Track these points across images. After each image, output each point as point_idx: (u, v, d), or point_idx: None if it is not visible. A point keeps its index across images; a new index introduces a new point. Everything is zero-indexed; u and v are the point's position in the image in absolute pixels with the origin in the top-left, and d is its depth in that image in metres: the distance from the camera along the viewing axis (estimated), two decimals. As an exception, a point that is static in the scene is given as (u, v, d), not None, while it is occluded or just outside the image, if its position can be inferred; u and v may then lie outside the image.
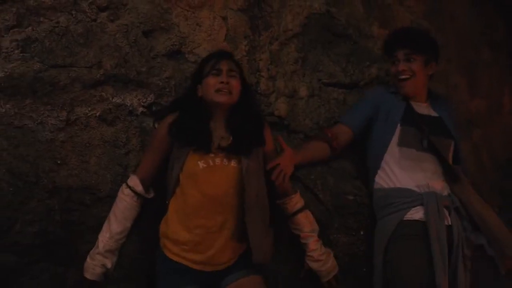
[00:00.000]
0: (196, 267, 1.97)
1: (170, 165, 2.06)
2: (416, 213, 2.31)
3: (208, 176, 1.99)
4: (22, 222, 2.09)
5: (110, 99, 2.32)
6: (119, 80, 2.35)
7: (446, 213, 2.31)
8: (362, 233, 2.57)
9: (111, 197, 2.17)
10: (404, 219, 2.31)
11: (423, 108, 2.58)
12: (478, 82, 4.17)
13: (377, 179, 2.51)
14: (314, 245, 2.24)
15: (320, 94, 2.76)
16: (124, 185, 2.07)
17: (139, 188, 2.05)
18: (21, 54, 2.22)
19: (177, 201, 2.03)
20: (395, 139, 2.47)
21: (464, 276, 2.22)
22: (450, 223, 2.28)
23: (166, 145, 2.08)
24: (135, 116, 2.35)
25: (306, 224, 2.26)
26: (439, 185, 2.40)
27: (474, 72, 4.12)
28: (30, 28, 2.25)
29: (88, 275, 1.99)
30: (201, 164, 2.00)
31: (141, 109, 2.37)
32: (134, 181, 2.06)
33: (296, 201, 2.25)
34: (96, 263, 1.98)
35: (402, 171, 2.41)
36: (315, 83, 2.77)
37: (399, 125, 2.48)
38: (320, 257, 2.25)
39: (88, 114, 2.26)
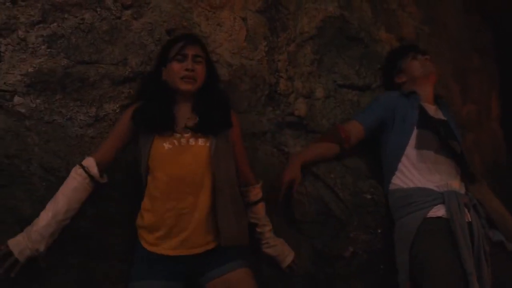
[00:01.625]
0: (172, 253, 1.91)
1: (139, 154, 2.03)
2: (438, 211, 2.35)
3: (174, 156, 1.95)
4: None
5: (134, 95, 2.31)
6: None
7: (466, 210, 2.36)
8: (379, 231, 2.63)
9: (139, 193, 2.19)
10: (427, 216, 2.35)
11: (433, 111, 2.67)
12: (469, 87, 4.31)
13: (394, 180, 2.56)
14: (269, 233, 2.26)
15: (336, 96, 2.83)
16: (77, 166, 1.95)
17: (94, 170, 1.94)
18: (48, 50, 2.21)
19: (149, 190, 1.98)
20: (412, 142, 2.52)
21: (487, 271, 2.25)
22: (470, 220, 2.33)
23: (128, 132, 2.04)
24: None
25: (263, 214, 2.26)
26: (456, 184, 2.46)
27: (465, 78, 4.26)
28: (55, 24, 2.24)
29: (15, 251, 1.79)
30: (166, 145, 1.96)
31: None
32: (89, 162, 1.96)
33: (258, 191, 2.24)
34: (29, 245, 1.79)
35: (420, 172, 2.47)
36: (331, 84, 2.84)
37: (415, 128, 2.54)
38: (274, 243, 2.27)
39: (117, 111, 2.26)
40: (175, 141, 1.98)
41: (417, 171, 2.47)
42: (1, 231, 1.97)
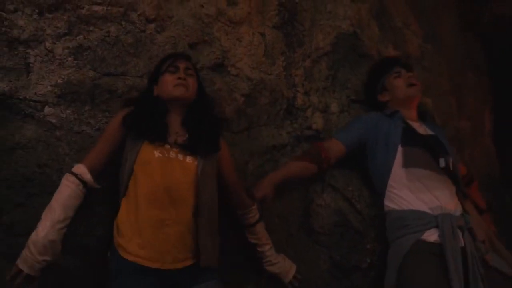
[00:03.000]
0: (153, 265, 1.86)
1: (123, 159, 2.00)
2: (431, 236, 2.31)
3: (163, 166, 1.94)
4: (86, 226, 2.10)
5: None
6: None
7: (460, 234, 2.32)
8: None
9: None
10: (420, 239, 2.32)
11: (418, 128, 2.62)
12: (464, 104, 4.43)
13: (386, 202, 2.52)
14: (270, 252, 2.26)
15: (349, 110, 2.90)
16: (67, 174, 1.93)
17: (87, 176, 1.93)
18: (75, 62, 2.25)
19: (129, 198, 1.95)
20: (398, 161, 2.47)
21: None
22: (463, 245, 2.30)
23: (118, 137, 2.02)
24: (185, 126, 2.39)
25: (264, 234, 2.28)
26: (452, 205, 2.40)
27: (460, 94, 4.38)
28: (81, 36, 2.28)
29: (25, 269, 1.78)
30: (156, 153, 1.96)
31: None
32: (81, 169, 1.94)
33: (255, 212, 2.26)
34: (35, 259, 1.77)
35: (411, 193, 2.42)
36: (344, 99, 2.92)
37: (400, 146, 2.49)
38: (276, 260, 2.27)
39: (143, 122, 2.29)
40: (165, 152, 1.99)
41: (408, 190, 2.43)
42: None
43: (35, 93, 2.14)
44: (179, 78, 2.08)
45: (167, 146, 2.01)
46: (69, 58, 2.24)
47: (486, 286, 2.32)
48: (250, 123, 2.60)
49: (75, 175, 1.92)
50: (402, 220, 2.40)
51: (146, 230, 1.89)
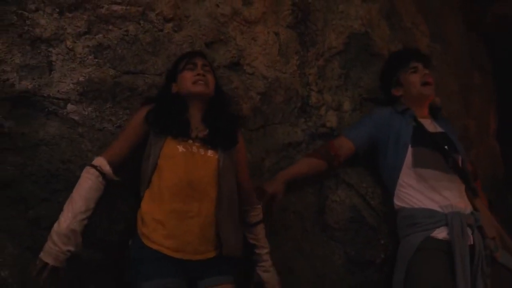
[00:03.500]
0: (175, 255, 1.91)
1: (146, 154, 2.05)
2: (441, 233, 2.34)
3: (186, 160, 1.99)
4: (109, 220, 2.15)
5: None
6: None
7: (470, 231, 2.34)
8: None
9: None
10: (430, 236, 2.35)
11: (429, 125, 2.61)
12: (470, 104, 4.47)
13: (396, 200, 2.54)
14: (266, 257, 2.26)
15: (361, 109, 2.94)
16: (87, 167, 1.97)
17: (106, 168, 1.97)
18: (95, 60, 2.29)
19: (153, 190, 2.00)
20: (408, 161, 2.48)
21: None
22: (472, 243, 2.32)
23: (140, 133, 2.07)
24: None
25: (263, 236, 2.28)
26: (461, 203, 2.42)
27: (467, 94, 4.42)
28: (100, 35, 2.32)
29: (50, 260, 1.81)
30: (180, 148, 2.01)
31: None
32: (100, 161, 1.98)
33: (259, 212, 2.28)
34: (59, 249, 1.81)
35: (421, 192, 2.44)
36: (357, 98, 2.96)
37: (410, 147, 2.49)
38: (270, 268, 2.26)
39: (163, 120, 2.33)
40: (188, 147, 2.03)
41: (417, 191, 2.45)
42: None
43: (58, 91, 2.18)
44: (198, 74, 2.12)
45: (190, 141, 2.06)
46: (90, 57, 2.28)
47: (489, 285, 2.36)
48: (265, 121, 2.64)
49: (95, 167, 1.96)
50: (412, 218, 2.42)
51: (170, 221, 1.94)
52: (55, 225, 1.85)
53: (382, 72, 2.88)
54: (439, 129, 2.63)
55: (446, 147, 2.52)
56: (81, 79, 2.22)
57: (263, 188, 2.37)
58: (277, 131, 2.63)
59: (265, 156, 2.57)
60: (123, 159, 2.06)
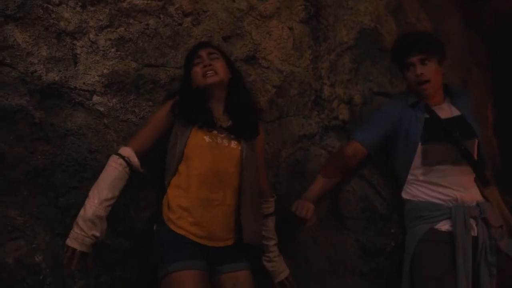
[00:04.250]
0: (200, 241, 2.00)
1: (172, 143, 2.11)
2: (444, 225, 2.41)
3: (213, 151, 2.06)
4: (135, 209, 2.23)
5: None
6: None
7: (474, 223, 2.39)
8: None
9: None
10: (434, 227, 2.43)
11: (444, 111, 2.56)
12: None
13: (404, 194, 2.60)
14: (273, 248, 2.33)
15: (372, 102, 3.03)
16: (115, 156, 2.01)
17: (134, 159, 2.02)
18: (118, 53, 2.34)
19: (180, 177, 2.06)
20: (417, 159, 2.50)
21: (489, 281, 2.35)
22: (476, 234, 2.37)
23: (166, 124, 2.13)
24: (223, 114, 2.50)
25: (272, 228, 2.34)
26: (468, 196, 2.45)
27: (467, 88, 4.52)
28: (122, 28, 2.37)
29: (77, 246, 1.85)
30: (207, 138, 2.08)
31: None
32: (128, 152, 2.02)
33: (271, 204, 2.35)
34: (85, 234, 1.85)
35: (427, 187, 2.50)
36: (367, 91, 3.04)
37: (420, 144, 2.49)
38: (274, 258, 2.33)
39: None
40: (214, 137, 2.10)
41: (424, 186, 2.50)
42: None
43: (84, 83, 2.23)
44: (205, 66, 2.17)
45: (215, 132, 2.13)
46: (112, 50, 2.33)
47: (494, 272, 2.41)
48: (281, 113, 2.72)
49: (123, 157, 2.01)
50: (417, 211, 2.49)
51: (196, 209, 2.02)
52: (81, 211, 1.89)
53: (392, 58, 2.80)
54: (455, 113, 2.56)
55: (458, 133, 2.47)
56: (105, 71, 2.27)
57: (295, 212, 2.43)
58: (292, 123, 2.71)
59: (282, 147, 2.64)
60: (148, 149, 2.12)
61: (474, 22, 5.10)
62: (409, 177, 2.55)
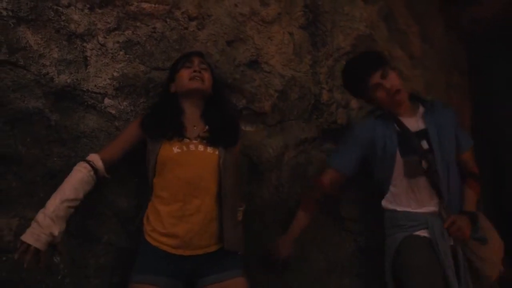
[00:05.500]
0: (175, 252, 1.95)
1: (147, 159, 2.09)
2: (422, 233, 2.41)
3: (183, 160, 2.02)
4: (139, 211, 2.23)
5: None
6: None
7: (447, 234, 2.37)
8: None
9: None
10: (412, 234, 2.42)
11: (413, 124, 2.53)
12: (452, 103, 4.71)
13: (384, 202, 2.57)
14: None
15: (367, 107, 3.10)
16: (80, 162, 2.00)
17: (99, 163, 2.00)
18: (126, 56, 2.37)
19: (155, 192, 2.05)
20: (398, 171, 2.48)
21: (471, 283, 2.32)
22: (453, 243, 2.37)
23: (135, 138, 2.12)
24: (229, 118, 2.56)
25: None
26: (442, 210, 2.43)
27: (448, 92, 4.67)
28: (129, 31, 2.40)
29: (32, 241, 1.76)
30: (175, 149, 2.03)
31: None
32: (93, 157, 2.02)
33: (240, 214, 2.22)
34: (42, 230, 1.78)
35: (406, 198, 2.48)
36: (362, 97, 3.13)
37: (399, 156, 2.46)
38: None
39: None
40: (184, 146, 2.06)
41: (403, 196, 2.48)
42: (101, 222, 2.18)
43: (95, 85, 2.26)
44: (195, 71, 2.17)
45: (186, 140, 2.10)
46: (120, 52, 2.36)
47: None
48: (282, 117, 2.78)
49: (88, 162, 2.00)
50: (395, 220, 2.49)
51: (169, 220, 1.99)
52: (41, 211, 1.84)
53: (348, 79, 2.72)
54: (421, 126, 2.51)
55: (428, 146, 2.46)
56: (115, 74, 2.30)
57: (272, 250, 2.44)
58: (293, 127, 2.78)
59: (284, 151, 2.71)
60: (117, 159, 2.10)
61: (455, 27, 5.25)
62: (391, 188, 2.53)
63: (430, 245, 2.38)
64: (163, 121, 2.11)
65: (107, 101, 2.27)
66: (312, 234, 2.70)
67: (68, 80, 2.18)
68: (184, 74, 2.20)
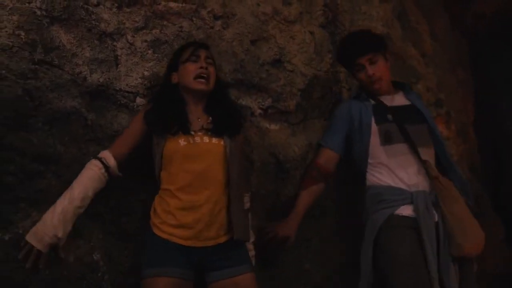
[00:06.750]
0: (186, 243, 1.95)
1: (153, 153, 2.08)
2: (406, 210, 2.38)
3: (190, 152, 2.01)
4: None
5: (236, 100, 2.55)
6: (243, 84, 2.59)
7: (433, 210, 2.38)
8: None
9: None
10: (394, 213, 2.39)
11: (393, 100, 2.61)
12: (455, 98, 4.79)
13: (367, 177, 2.57)
14: (250, 246, 2.26)
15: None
16: (92, 159, 1.98)
17: (111, 161, 1.98)
18: (155, 55, 2.39)
19: (163, 185, 2.03)
20: (375, 139, 2.52)
21: (452, 267, 2.34)
22: (437, 220, 2.37)
23: (141, 132, 2.09)
24: (254, 117, 2.60)
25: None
26: (426, 184, 2.45)
27: (453, 88, 4.74)
28: (157, 30, 2.41)
29: (35, 242, 1.76)
30: (181, 142, 2.02)
31: (259, 111, 2.63)
32: (106, 154, 1.99)
33: (247, 200, 2.25)
34: (46, 231, 1.77)
35: (390, 170, 2.48)
36: (379, 95, 3.17)
37: (374, 124, 2.52)
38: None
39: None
40: (190, 139, 2.04)
41: (387, 168, 2.48)
42: (131, 221, 2.21)
43: (127, 84, 2.27)
44: (201, 67, 2.13)
45: (191, 133, 2.08)
46: (149, 51, 2.37)
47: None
48: (305, 116, 2.82)
49: (99, 159, 1.98)
50: (379, 196, 2.47)
51: (179, 212, 1.98)
52: (49, 210, 1.84)
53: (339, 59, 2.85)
54: (405, 102, 2.63)
55: (407, 117, 2.54)
56: (145, 73, 2.32)
57: (274, 229, 2.44)
58: (315, 125, 2.82)
59: (309, 149, 2.74)
60: (127, 154, 2.08)
61: (459, 24, 5.32)
62: (370, 161, 2.54)
63: (414, 230, 2.35)
64: (167, 116, 2.08)
65: (138, 100, 2.29)
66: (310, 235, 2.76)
67: (101, 79, 2.19)
68: (190, 69, 2.14)
